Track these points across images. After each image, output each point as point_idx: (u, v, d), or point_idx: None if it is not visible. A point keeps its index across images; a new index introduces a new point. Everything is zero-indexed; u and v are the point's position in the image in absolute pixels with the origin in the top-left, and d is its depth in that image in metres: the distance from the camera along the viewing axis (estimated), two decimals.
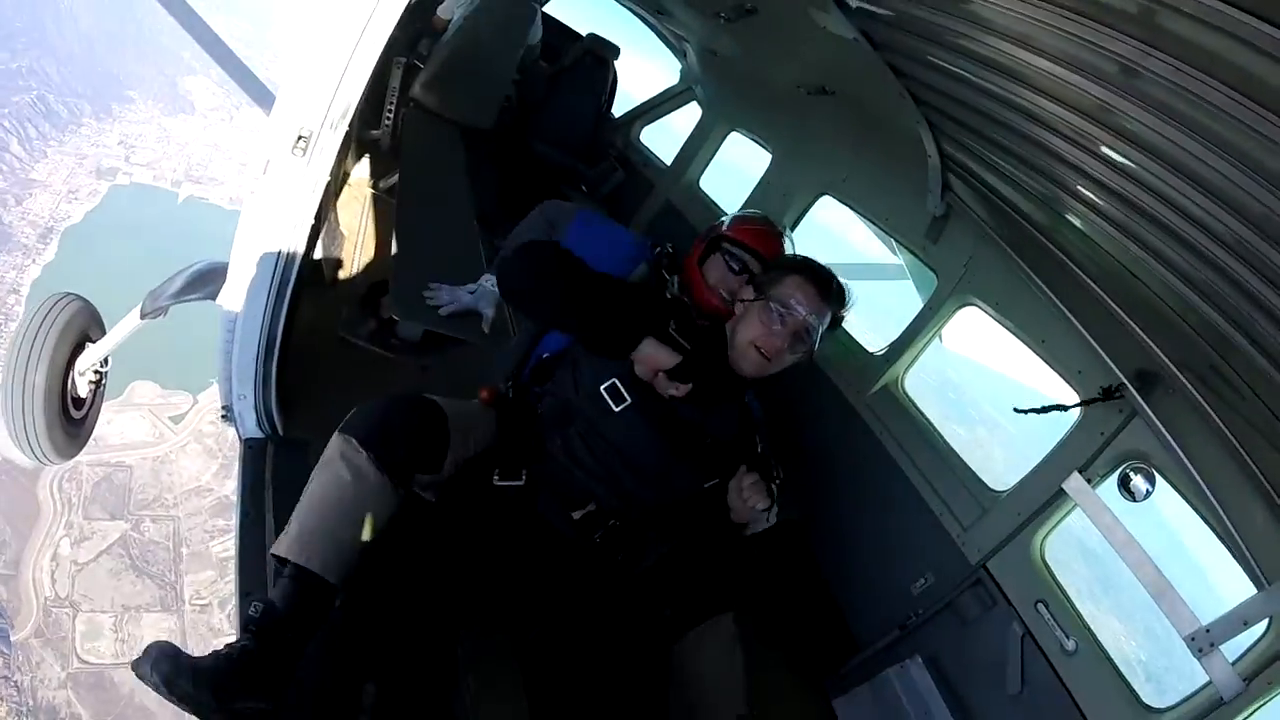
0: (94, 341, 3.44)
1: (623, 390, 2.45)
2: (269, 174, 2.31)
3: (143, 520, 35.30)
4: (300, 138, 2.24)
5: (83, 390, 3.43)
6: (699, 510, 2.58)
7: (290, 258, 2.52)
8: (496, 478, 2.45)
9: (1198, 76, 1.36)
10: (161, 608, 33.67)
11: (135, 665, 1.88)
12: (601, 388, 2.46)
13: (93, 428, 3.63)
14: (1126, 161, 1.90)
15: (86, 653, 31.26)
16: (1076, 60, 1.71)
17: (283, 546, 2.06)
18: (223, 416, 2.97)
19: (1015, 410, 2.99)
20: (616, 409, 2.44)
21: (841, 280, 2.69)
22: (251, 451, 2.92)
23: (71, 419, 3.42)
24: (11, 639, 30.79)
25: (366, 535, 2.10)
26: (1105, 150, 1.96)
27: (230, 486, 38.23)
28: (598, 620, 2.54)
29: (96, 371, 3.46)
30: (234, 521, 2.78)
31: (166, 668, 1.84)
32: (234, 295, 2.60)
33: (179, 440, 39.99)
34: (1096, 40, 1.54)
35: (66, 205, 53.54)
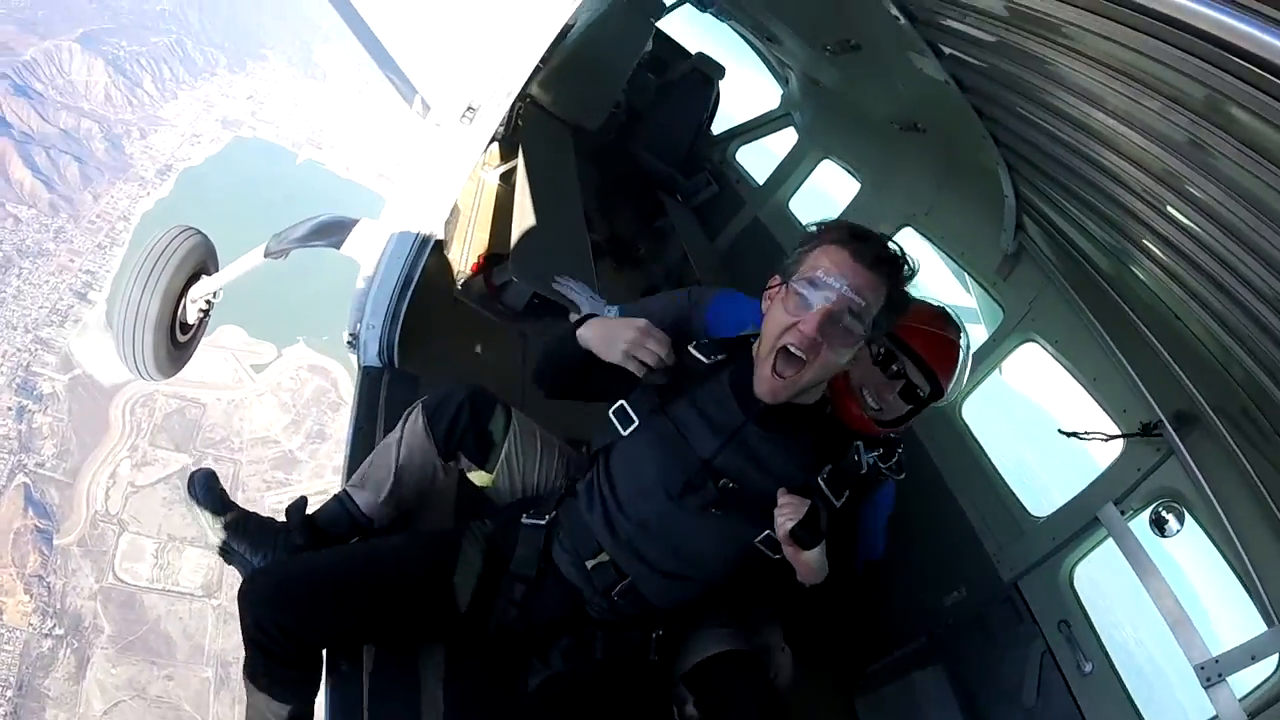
0: (209, 274, 3.69)
1: (629, 410, 2.16)
2: (433, 138, 2.72)
3: (205, 457, 36.40)
4: (470, 108, 2.66)
5: (191, 317, 3.66)
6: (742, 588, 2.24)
7: (439, 209, 2.91)
8: (526, 516, 2.30)
9: (1258, 159, 1.56)
10: (206, 545, 34.95)
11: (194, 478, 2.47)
12: (610, 410, 2.19)
13: (192, 353, 3.90)
14: (1187, 222, 2.12)
15: (123, 571, 32.59)
16: (1146, 126, 1.95)
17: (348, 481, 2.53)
18: (349, 343, 3.30)
19: (1059, 431, 3.19)
20: (624, 433, 2.16)
21: (895, 244, 2.00)
22: (369, 378, 3.26)
23: (176, 341, 3.66)
24: (54, 542, 32.23)
25: (406, 489, 2.46)
26: (1169, 210, 2.19)
27: (297, 442, 39.56)
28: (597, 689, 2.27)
29: (208, 301, 3.68)
30: (347, 434, 3.12)
31: (204, 487, 2.43)
32: (379, 244, 2.99)
33: (256, 389, 41.56)
34: (1164, 113, 1.77)
35: (189, 147, 56.49)
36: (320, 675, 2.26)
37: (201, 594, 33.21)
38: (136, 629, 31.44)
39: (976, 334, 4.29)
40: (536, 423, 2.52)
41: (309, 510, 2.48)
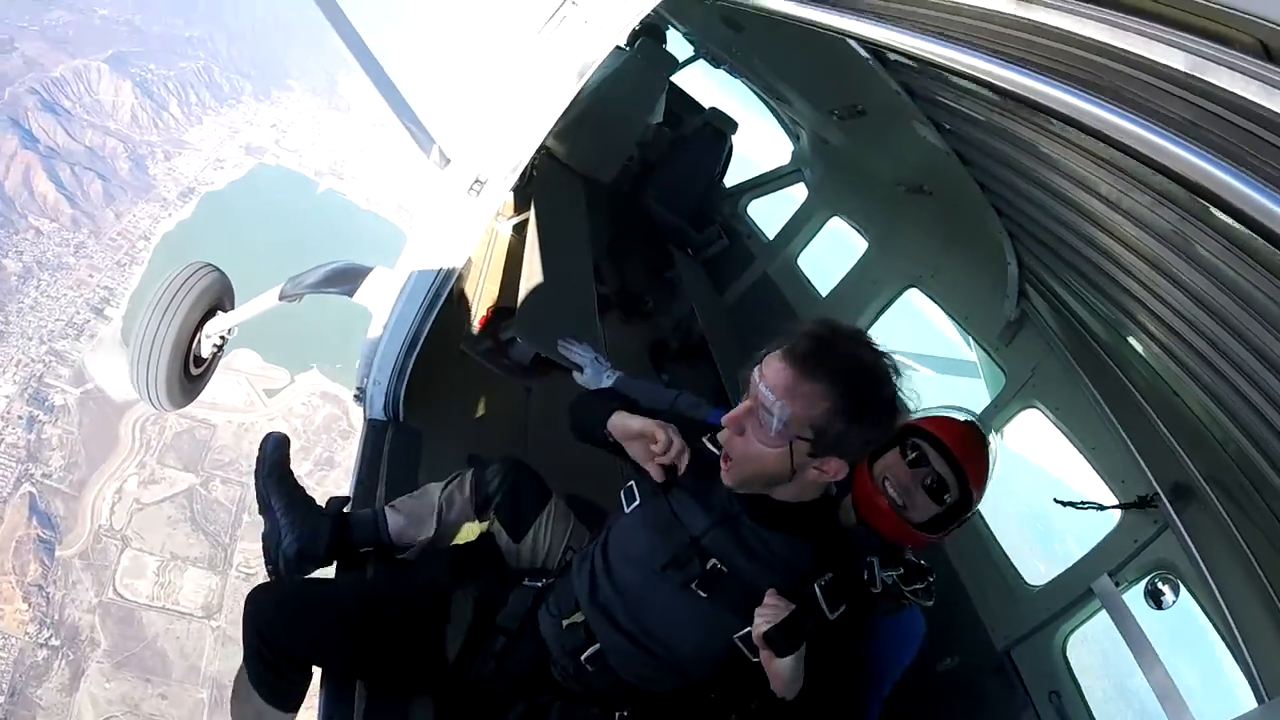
0: (225, 310, 3.80)
1: (635, 490, 2.24)
2: (444, 206, 2.84)
3: (213, 479, 36.90)
4: (477, 180, 2.76)
5: (205, 351, 3.77)
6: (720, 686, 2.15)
7: (448, 274, 3.01)
8: (528, 579, 2.42)
9: (1240, 256, 1.62)
10: (208, 566, 34.82)
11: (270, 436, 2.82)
12: (623, 489, 2.28)
13: (204, 387, 4.01)
14: (1178, 305, 2.18)
15: (124, 587, 32.62)
16: (1134, 214, 2.02)
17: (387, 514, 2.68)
18: (355, 397, 3.43)
19: (1056, 501, 3.21)
20: (627, 509, 2.23)
21: (833, 356, 1.86)
22: (374, 431, 3.37)
23: (189, 374, 3.77)
24: (56, 553, 32.30)
25: (437, 536, 2.64)
26: (1159, 290, 2.24)
27: (306, 468, 39.59)
28: None
29: (221, 337, 3.80)
30: (350, 486, 3.20)
31: (275, 460, 2.73)
32: (391, 294, 3.10)
33: (268, 413, 41.89)
34: (1153, 207, 1.84)
35: (212, 171, 57.80)
36: (305, 692, 2.42)
37: (201, 615, 33.12)
38: (133, 645, 31.36)
39: (979, 396, 4.34)
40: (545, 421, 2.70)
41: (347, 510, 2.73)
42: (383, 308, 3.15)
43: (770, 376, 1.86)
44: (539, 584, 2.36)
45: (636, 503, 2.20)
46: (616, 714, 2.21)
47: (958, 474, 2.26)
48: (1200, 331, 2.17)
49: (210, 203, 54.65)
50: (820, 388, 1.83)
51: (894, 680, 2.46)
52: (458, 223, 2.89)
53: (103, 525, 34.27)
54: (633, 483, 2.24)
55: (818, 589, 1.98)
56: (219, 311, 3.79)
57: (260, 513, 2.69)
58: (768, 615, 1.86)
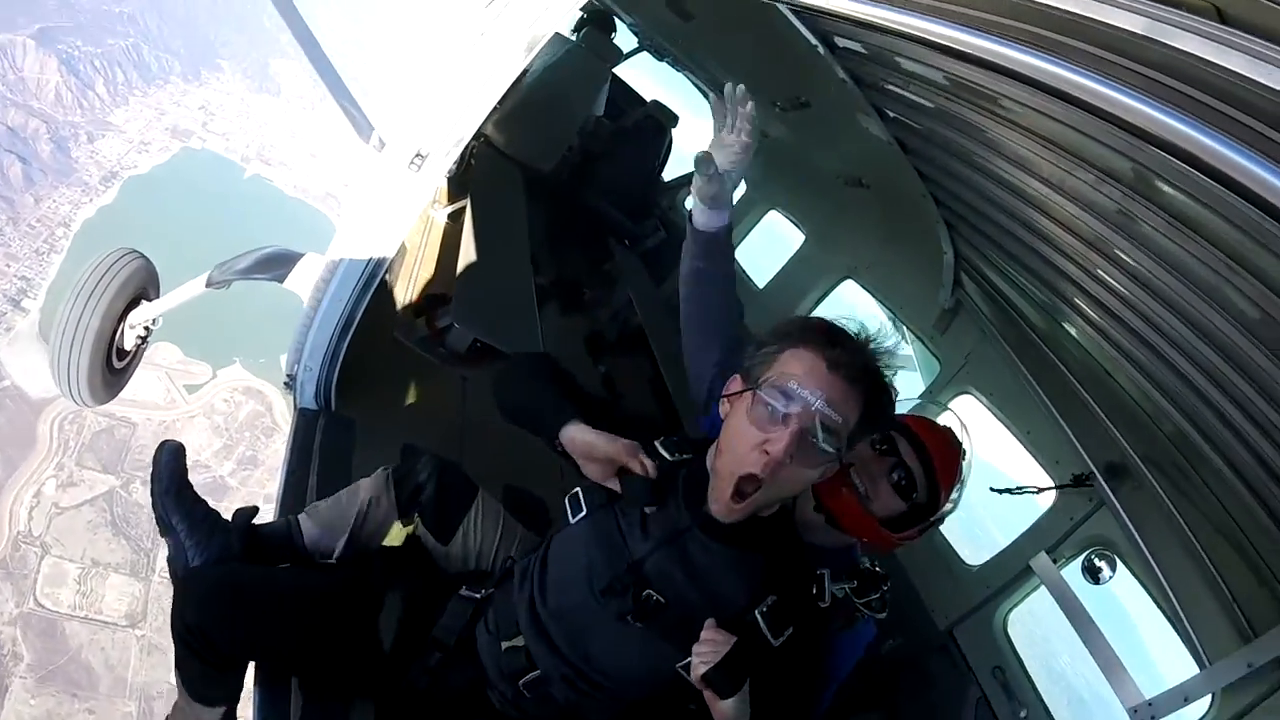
0: (149, 299, 3.64)
1: (581, 500, 2.02)
2: (382, 180, 2.72)
3: (134, 480, 34.92)
4: (419, 154, 2.65)
5: (129, 343, 3.61)
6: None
7: (383, 256, 2.89)
8: (465, 588, 2.23)
9: (1184, 230, 1.66)
10: (130, 572, 32.97)
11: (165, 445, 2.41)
12: (568, 496, 2.06)
13: (127, 381, 3.83)
14: (1117, 285, 2.24)
15: (44, 596, 30.67)
16: (1077, 195, 2.06)
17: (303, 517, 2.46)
18: (285, 384, 3.27)
19: (991, 490, 3.28)
20: (571, 520, 2.01)
21: (878, 342, 1.81)
22: (305, 420, 3.21)
23: (113, 368, 3.60)
24: None
25: (358, 539, 2.39)
26: (1099, 271, 2.30)
27: (229, 468, 38.10)
28: None
29: (146, 328, 3.64)
30: (279, 478, 3.05)
31: (171, 473, 2.35)
32: (323, 278, 2.96)
33: (189, 410, 39.95)
34: (1096, 185, 1.88)
35: (136, 155, 54.53)
36: (241, 685, 2.23)
37: (125, 624, 31.44)
38: (57, 658, 29.55)
39: (913, 385, 4.43)
40: (484, 472, 2.49)
41: (256, 521, 2.43)
42: (314, 293, 3.02)
43: (828, 390, 1.67)
44: (477, 594, 2.18)
45: (582, 514, 1.98)
46: None
47: (928, 472, 2.15)
48: (1138, 311, 2.24)
49: (133, 188, 51.87)
50: (858, 397, 1.71)
51: (841, 680, 2.38)
52: (395, 200, 2.78)
53: (21, 532, 32.15)
54: (579, 491, 2.01)
55: (759, 617, 1.80)
56: (143, 300, 3.61)
57: (162, 535, 2.39)
58: (705, 655, 1.68)
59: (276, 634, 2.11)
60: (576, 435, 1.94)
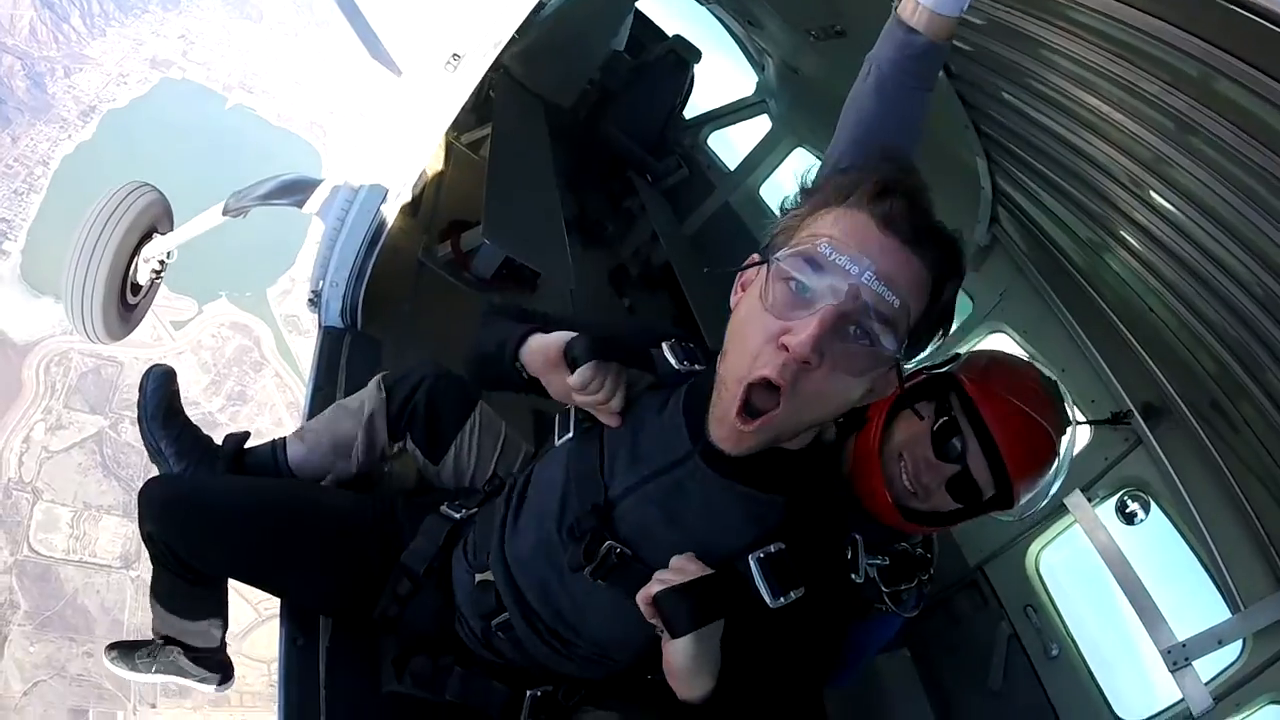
0: (161, 233, 3.58)
1: (570, 419, 1.67)
2: (415, 89, 2.64)
3: (123, 420, 34.37)
4: (455, 54, 2.58)
5: (142, 278, 3.57)
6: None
7: (415, 166, 2.83)
8: (445, 505, 1.97)
9: (1248, 139, 1.57)
10: (123, 513, 32.62)
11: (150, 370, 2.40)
12: (559, 413, 1.72)
13: (142, 316, 3.82)
14: (1172, 209, 2.14)
15: (38, 543, 30.85)
16: (1137, 111, 1.96)
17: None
18: (310, 302, 3.21)
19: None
20: (557, 440, 1.68)
21: (940, 223, 1.28)
22: (330, 338, 3.16)
23: (127, 303, 3.58)
24: None
25: (346, 459, 2.25)
26: (1153, 196, 2.21)
27: (218, 404, 38.03)
28: None
29: (160, 262, 3.60)
30: (305, 395, 3.02)
31: (158, 399, 2.34)
32: (350, 188, 2.89)
33: (176, 347, 38.98)
34: (1157, 94, 1.78)
35: (115, 88, 52.65)
36: (219, 601, 2.22)
37: (120, 565, 31.83)
38: (53, 604, 29.89)
39: None
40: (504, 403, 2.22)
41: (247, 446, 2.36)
42: (339, 210, 2.96)
43: (879, 256, 1.19)
44: (458, 514, 1.92)
45: (569, 435, 1.64)
46: (528, 693, 1.75)
47: (1001, 483, 1.73)
48: (1191, 237, 2.15)
49: (112, 122, 49.83)
50: (925, 270, 1.24)
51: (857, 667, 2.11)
52: (428, 105, 2.69)
53: (12, 479, 32.07)
54: (571, 409, 1.66)
55: (754, 563, 1.36)
56: (155, 234, 3.56)
57: (152, 460, 2.34)
58: (666, 577, 1.32)
59: (240, 548, 1.94)
60: (533, 345, 1.60)
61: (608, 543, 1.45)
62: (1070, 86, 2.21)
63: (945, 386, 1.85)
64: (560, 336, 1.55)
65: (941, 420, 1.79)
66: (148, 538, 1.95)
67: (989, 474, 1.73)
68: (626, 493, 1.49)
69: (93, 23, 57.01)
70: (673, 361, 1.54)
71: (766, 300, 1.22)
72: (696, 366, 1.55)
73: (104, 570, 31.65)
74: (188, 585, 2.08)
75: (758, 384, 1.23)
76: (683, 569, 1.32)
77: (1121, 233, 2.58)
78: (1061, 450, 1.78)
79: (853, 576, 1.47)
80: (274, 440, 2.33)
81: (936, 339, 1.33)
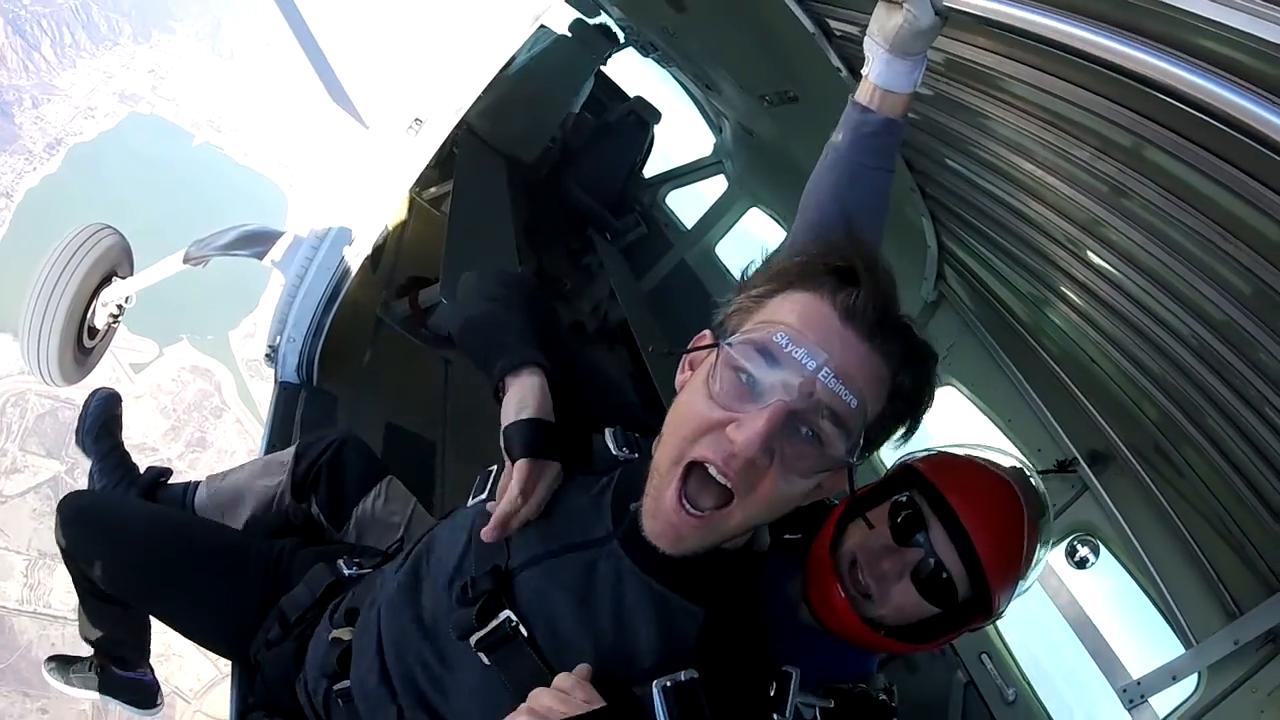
0: (121, 277, 3.57)
1: (488, 483, 1.48)
2: (380, 145, 2.71)
3: (78, 466, 32.90)
4: (417, 119, 2.65)
5: (100, 322, 3.55)
6: None
7: (374, 223, 2.88)
8: (342, 560, 1.86)
9: (1177, 202, 1.68)
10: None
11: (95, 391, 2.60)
12: (481, 473, 1.52)
13: (99, 360, 3.79)
14: (1107, 266, 2.27)
15: None
16: (1071, 176, 2.10)
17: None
18: (267, 356, 3.22)
19: None
20: (472, 500, 1.50)
21: (907, 316, 1.19)
22: (285, 394, 3.16)
23: (83, 346, 3.55)
24: None
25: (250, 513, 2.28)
26: (1090, 256, 2.33)
27: (177, 450, 37.05)
28: None
29: (119, 306, 3.57)
30: (260, 449, 2.98)
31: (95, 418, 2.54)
32: (310, 246, 2.93)
33: (134, 390, 38.37)
34: (1089, 160, 1.91)
35: (82, 121, 52.45)
36: (132, 617, 2.30)
37: (74, 618, 30.43)
38: (6, 656, 28.65)
39: None
40: (466, 454, 2.31)
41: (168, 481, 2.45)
42: (299, 264, 2.99)
43: (838, 349, 1.08)
44: (349, 571, 1.79)
45: (483, 496, 1.45)
46: None
47: (973, 568, 1.49)
48: (1126, 292, 2.27)
49: (79, 156, 49.85)
50: (887, 367, 1.13)
51: None
52: (390, 166, 2.77)
53: None
54: (497, 467, 1.47)
55: (657, 693, 1.14)
56: (115, 278, 3.55)
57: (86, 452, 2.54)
58: (549, 704, 1.10)
59: (130, 566, 1.98)
60: (511, 393, 1.43)
61: (506, 613, 1.27)
62: (1008, 153, 2.35)
63: (899, 484, 1.66)
64: (524, 405, 1.40)
65: (899, 507, 1.59)
66: (60, 550, 2.02)
67: (956, 557, 1.50)
68: (532, 562, 1.31)
69: (64, 53, 56.28)
70: (612, 448, 1.42)
71: (713, 387, 1.10)
72: (635, 455, 1.41)
73: (59, 622, 30.29)
74: (98, 602, 2.18)
75: (696, 466, 1.11)
76: (568, 696, 1.11)
77: (1062, 288, 2.71)
78: (1042, 527, 1.61)
79: (775, 717, 1.25)
80: (187, 483, 2.41)
81: (898, 437, 1.22)
